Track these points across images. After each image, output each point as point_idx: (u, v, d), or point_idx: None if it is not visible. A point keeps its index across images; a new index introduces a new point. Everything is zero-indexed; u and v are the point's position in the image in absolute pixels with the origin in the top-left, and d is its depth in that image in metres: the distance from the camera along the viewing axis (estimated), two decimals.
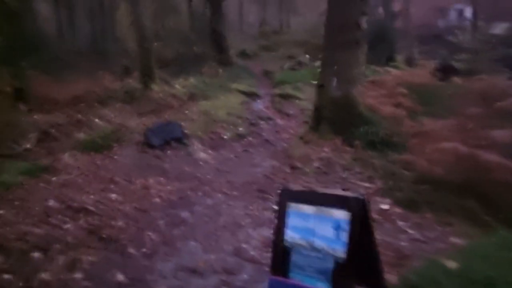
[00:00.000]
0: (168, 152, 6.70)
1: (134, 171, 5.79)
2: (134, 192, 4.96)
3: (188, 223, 4.12)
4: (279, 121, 8.44)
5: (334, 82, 6.17)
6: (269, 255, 1.71)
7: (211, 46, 17.03)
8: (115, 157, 6.38)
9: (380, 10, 24.95)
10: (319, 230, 1.47)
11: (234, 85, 10.88)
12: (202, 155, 6.70)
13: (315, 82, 11.34)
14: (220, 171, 5.98)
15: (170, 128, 7.12)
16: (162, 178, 5.57)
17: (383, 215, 3.89)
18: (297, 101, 9.43)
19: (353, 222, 1.38)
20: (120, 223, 4.01)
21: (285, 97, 9.65)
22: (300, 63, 15.78)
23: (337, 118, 6.21)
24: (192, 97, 9.23)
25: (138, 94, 9.06)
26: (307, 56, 16.67)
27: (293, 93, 9.79)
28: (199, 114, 8.20)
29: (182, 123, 7.73)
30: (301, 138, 6.67)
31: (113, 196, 4.79)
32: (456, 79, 9.49)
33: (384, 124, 6.12)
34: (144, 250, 3.50)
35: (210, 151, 6.90)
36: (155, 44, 15.00)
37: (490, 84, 8.16)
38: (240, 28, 37.94)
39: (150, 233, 3.80)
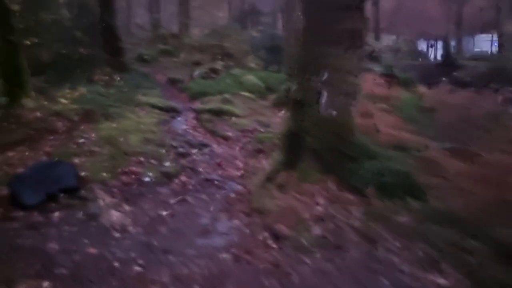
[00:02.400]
0: (55, 215, 4.00)
1: None
2: None
3: None
4: (217, 148, 6.19)
5: (324, 96, 4.20)
6: None
7: (102, 47, 13.87)
8: None
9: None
10: None
11: (143, 98, 8.26)
12: (114, 215, 4.13)
13: (247, 94, 9.38)
14: (152, 250, 3.52)
15: (55, 172, 4.38)
16: (45, 283, 2.93)
17: None
18: (233, 118, 7.27)
19: None
20: None
21: (216, 113, 7.41)
22: (213, 70, 13.60)
23: (326, 148, 4.24)
24: (88, 116, 6.43)
25: (0, 113, 5.93)
26: (221, 62, 14.58)
27: (225, 107, 7.61)
28: (101, 142, 5.51)
29: (76, 160, 5.00)
30: (269, 179, 4.55)
31: None
32: (417, 88, 8.50)
33: (393, 156, 4.35)
34: None
35: (125, 207, 4.35)
36: (26, 41, 11.43)
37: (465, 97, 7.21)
38: (128, 31, 34.26)
39: None
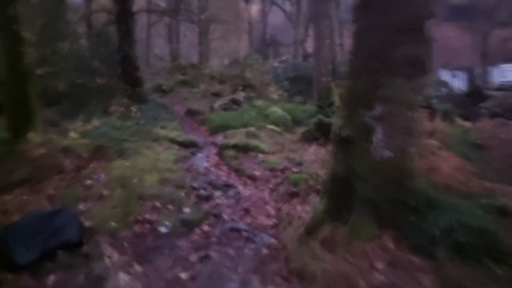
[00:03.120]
0: (50, 279, 3.25)
1: None
2: None
3: None
4: (244, 190, 5.41)
5: (378, 134, 3.41)
6: None
7: (120, 78, 13.52)
8: None
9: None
10: None
11: (161, 131, 7.63)
12: (122, 279, 3.35)
13: (273, 127, 8.68)
14: None
15: (55, 223, 3.65)
16: None
17: None
18: (260, 155, 6.52)
19: None
20: None
21: (241, 148, 6.68)
22: (235, 102, 13.03)
23: (382, 197, 3.42)
24: (99, 152, 5.78)
25: (2, 149, 5.32)
26: (243, 93, 14.03)
27: (251, 142, 6.88)
28: (112, 184, 4.81)
29: (81, 206, 4.29)
30: (310, 232, 3.72)
31: None
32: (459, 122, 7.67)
33: (462, 207, 3.48)
34: None
35: (137, 267, 3.56)
36: (40, 71, 11.09)
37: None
38: (147, 61, 34.54)
39: None
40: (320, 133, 7.50)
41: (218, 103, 13.17)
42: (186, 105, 15.22)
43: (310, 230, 3.74)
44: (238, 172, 5.93)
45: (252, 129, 7.98)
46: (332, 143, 3.94)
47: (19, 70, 5.93)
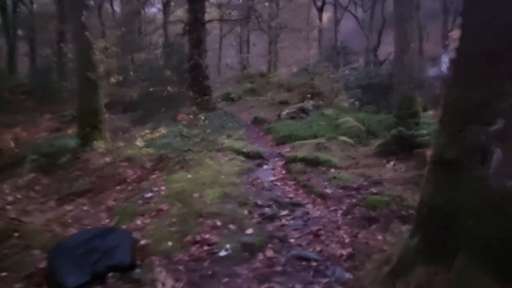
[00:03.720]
0: None
1: None
2: None
3: None
4: (313, 210, 4.81)
5: (499, 158, 2.66)
6: None
7: (190, 86, 13.64)
8: None
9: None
10: None
11: (226, 141, 7.31)
12: None
13: (345, 139, 7.99)
14: None
15: (107, 242, 3.37)
16: None
17: None
18: (332, 170, 5.88)
19: None
20: None
21: (310, 162, 6.09)
22: (303, 110, 12.47)
23: (500, 240, 2.64)
24: (162, 162, 5.55)
25: (67, 157, 5.28)
26: (311, 101, 13.43)
27: (321, 156, 6.26)
28: (172, 198, 4.49)
29: (138, 221, 4.01)
30: (397, 272, 3.03)
31: None
32: None
33: None
34: None
35: None
36: (116, 79, 11.46)
37: None
38: (218, 70, 35.24)
39: None
40: (399, 147, 6.66)
41: (285, 111, 12.71)
42: (253, 113, 14.98)
43: (398, 272, 3.04)
44: (307, 188, 5.35)
45: (321, 140, 7.36)
46: (430, 166, 3.19)
47: (89, 78, 5.94)
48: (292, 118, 11.98)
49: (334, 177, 5.50)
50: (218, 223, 4.19)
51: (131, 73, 13.66)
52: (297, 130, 8.83)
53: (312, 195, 5.16)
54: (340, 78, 15.87)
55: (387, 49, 25.41)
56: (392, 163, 6.48)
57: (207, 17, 14.96)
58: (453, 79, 3.02)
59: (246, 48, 31.72)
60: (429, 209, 3.02)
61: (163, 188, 4.75)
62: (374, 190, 4.83)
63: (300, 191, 5.38)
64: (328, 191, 5.18)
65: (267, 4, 24.33)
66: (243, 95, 19.68)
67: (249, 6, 17.72)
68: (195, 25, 13.51)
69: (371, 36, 24.36)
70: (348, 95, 14.06)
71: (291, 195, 5.28)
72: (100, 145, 5.62)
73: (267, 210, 4.67)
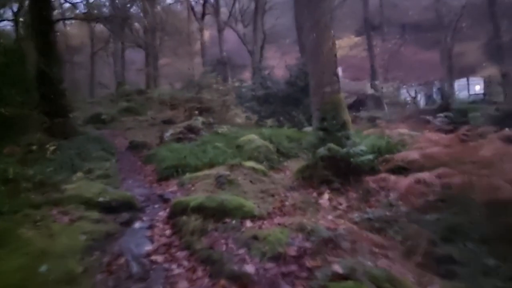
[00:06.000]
0: None
1: None
2: None
3: None
4: None
5: None
6: None
7: (38, 106, 10.23)
8: None
9: None
10: None
11: (72, 186, 4.55)
12: None
13: (254, 165, 5.77)
14: None
15: None
16: None
17: None
18: (248, 223, 3.58)
19: None
20: None
21: (211, 213, 3.73)
22: (191, 130, 10.06)
23: None
24: None
25: None
26: (200, 118, 11.09)
27: (229, 200, 3.94)
28: None
29: None
30: None
31: None
32: None
33: None
34: None
35: None
36: None
37: None
38: (90, 91, 30.95)
39: None
40: (332, 172, 4.78)
41: (169, 132, 10.16)
42: (130, 136, 12.10)
43: None
44: (210, 267, 2.99)
45: (222, 170, 5.09)
46: None
47: None
48: (179, 140, 9.53)
49: (255, 238, 3.23)
50: None
51: None
52: (186, 157, 6.41)
53: (222, 282, 2.80)
54: (230, 90, 13.93)
55: (270, 63, 24.76)
56: (326, 197, 4.53)
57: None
58: None
59: (121, 64, 28.14)
60: None
61: None
62: (335, 265, 2.68)
63: (200, 273, 2.99)
64: (250, 269, 2.88)
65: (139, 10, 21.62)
66: (118, 115, 16.49)
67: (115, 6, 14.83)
68: (40, 25, 10.25)
69: (256, 48, 23.27)
70: (242, 109, 12.14)
71: (184, 285, 2.86)
72: None
73: None
